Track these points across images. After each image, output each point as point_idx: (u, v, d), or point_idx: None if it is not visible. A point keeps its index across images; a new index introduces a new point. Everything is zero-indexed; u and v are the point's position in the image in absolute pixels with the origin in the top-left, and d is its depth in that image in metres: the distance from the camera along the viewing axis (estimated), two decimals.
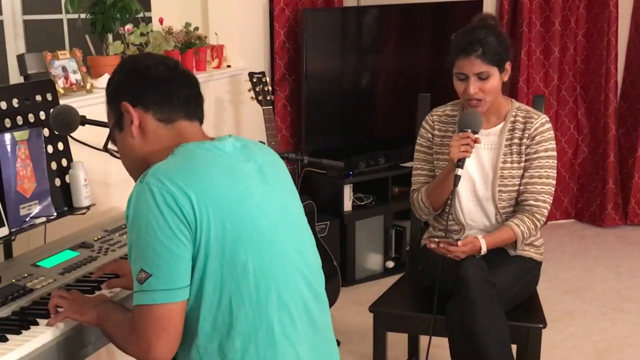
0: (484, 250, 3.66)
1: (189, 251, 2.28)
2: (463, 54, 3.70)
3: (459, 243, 3.62)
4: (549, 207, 3.83)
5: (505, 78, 3.80)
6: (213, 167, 2.38)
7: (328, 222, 5.89)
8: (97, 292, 2.83)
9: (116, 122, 2.55)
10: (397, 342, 4.57)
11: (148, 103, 2.49)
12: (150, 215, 2.24)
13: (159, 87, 2.50)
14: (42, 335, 2.50)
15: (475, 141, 3.68)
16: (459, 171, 3.64)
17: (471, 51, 3.67)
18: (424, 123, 4.06)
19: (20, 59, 3.78)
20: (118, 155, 2.66)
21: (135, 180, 2.43)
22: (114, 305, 2.58)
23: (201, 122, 2.61)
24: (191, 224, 2.26)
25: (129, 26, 4.56)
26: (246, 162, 2.48)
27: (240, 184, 2.40)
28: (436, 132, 4.00)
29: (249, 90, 5.31)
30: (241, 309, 2.33)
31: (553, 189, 3.84)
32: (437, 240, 3.63)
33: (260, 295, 2.35)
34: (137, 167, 2.49)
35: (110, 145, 2.68)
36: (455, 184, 3.65)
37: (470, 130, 3.68)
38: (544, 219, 3.82)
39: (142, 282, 2.27)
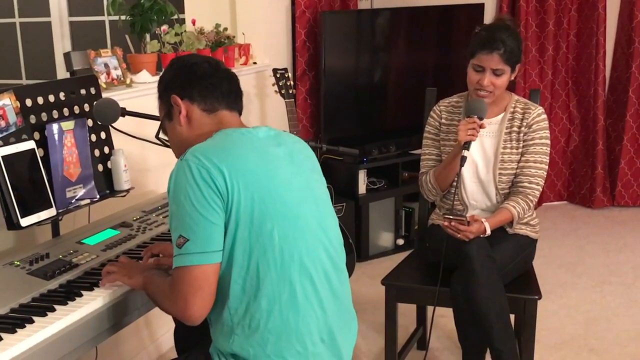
0: (488, 232, 3.65)
1: (222, 219, 2.32)
2: (486, 49, 3.67)
3: (469, 218, 3.62)
4: (541, 189, 3.83)
5: (513, 77, 3.79)
6: (245, 148, 2.43)
7: (344, 204, 5.88)
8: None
9: (167, 114, 2.63)
10: (406, 312, 4.56)
11: (193, 95, 2.56)
12: (188, 187, 2.29)
13: (203, 82, 2.57)
14: (86, 306, 2.50)
15: (481, 126, 3.68)
16: (465, 153, 3.63)
17: (494, 48, 3.65)
18: (432, 112, 4.05)
19: (67, 56, 3.76)
20: (168, 142, 2.73)
21: None
22: (157, 272, 2.63)
23: (240, 112, 2.67)
24: (223, 195, 2.30)
25: (164, 27, 4.55)
26: (277, 146, 2.53)
27: (270, 163, 2.44)
28: (443, 121, 3.99)
29: (273, 85, 5.30)
30: (267, 273, 2.35)
31: (545, 172, 3.84)
32: (450, 217, 3.62)
33: (285, 261, 2.37)
34: (182, 151, 2.49)
35: (161, 135, 2.75)
36: (462, 165, 3.64)
37: (476, 116, 3.69)
38: (536, 200, 3.81)
39: (181, 247, 2.31)
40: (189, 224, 2.30)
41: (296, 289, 2.40)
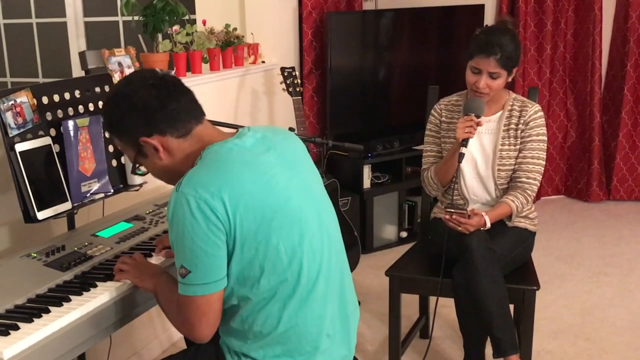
0: (488, 225, 3.66)
1: (224, 249, 2.26)
2: (484, 52, 3.66)
3: (469, 211, 3.63)
4: (539, 184, 3.83)
5: (510, 79, 3.78)
6: (238, 165, 2.31)
7: (350, 198, 5.88)
8: (148, 259, 2.83)
9: (138, 153, 2.45)
10: (409, 302, 4.54)
11: (161, 128, 2.37)
12: (187, 222, 2.21)
13: (163, 112, 2.36)
14: (100, 296, 2.50)
15: (478, 124, 3.69)
16: (463, 149, 3.64)
17: (491, 53, 3.64)
18: (432, 111, 4.05)
19: (82, 55, 3.75)
20: (146, 172, 2.58)
21: (174, 185, 2.36)
22: (168, 280, 2.56)
23: (205, 117, 2.49)
24: (225, 223, 2.22)
25: (176, 27, 4.55)
26: (266, 152, 2.41)
27: (265, 175, 2.34)
28: (443, 119, 3.98)
29: (281, 83, 5.29)
30: (279, 285, 2.33)
31: (542, 168, 3.83)
32: (452, 211, 3.63)
33: (293, 270, 2.34)
34: (172, 177, 2.44)
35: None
36: (460, 161, 3.65)
37: (473, 114, 3.69)
38: (534, 194, 3.82)
39: (184, 277, 2.28)
40: (189, 257, 2.24)
41: (305, 294, 2.38)
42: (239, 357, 2.46)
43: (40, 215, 2.86)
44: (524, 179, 3.79)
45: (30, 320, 2.29)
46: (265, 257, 2.30)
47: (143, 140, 2.38)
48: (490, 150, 3.85)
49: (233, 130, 2.55)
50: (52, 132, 3.02)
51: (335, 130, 6.10)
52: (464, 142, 3.65)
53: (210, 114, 2.58)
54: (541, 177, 3.83)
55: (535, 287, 3.69)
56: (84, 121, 3.12)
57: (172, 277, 2.58)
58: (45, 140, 2.95)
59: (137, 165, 2.52)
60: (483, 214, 3.66)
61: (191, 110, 2.43)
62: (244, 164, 2.32)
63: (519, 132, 3.81)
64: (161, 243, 2.94)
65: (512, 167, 3.83)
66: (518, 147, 3.82)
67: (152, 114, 2.36)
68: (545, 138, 3.84)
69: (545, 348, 4.40)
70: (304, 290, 2.38)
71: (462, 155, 3.65)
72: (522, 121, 3.81)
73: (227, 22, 5.40)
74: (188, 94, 2.45)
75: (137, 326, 4.21)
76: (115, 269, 2.65)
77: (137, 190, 3.48)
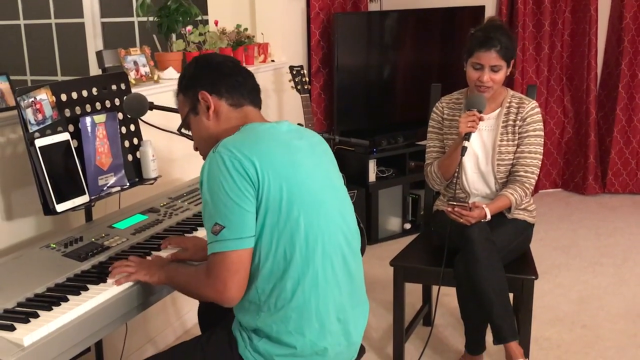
0: (488, 217, 3.66)
1: (254, 206, 2.29)
2: (484, 47, 3.67)
3: (471, 204, 3.63)
4: (537, 177, 3.83)
5: (508, 72, 3.78)
6: (272, 141, 2.40)
7: (356, 191, 5.87)
8: (155, 253, 2.82)
9: (192, 108, 2.57)
10: (413, 290, 4.54)
11: (221, 91, 2.52)
12: (222, 178, 2.27)
13: (230, 79, 2.54)
14: (117, 285, 2.50)
15: (480, 119, 3.70)
16: (466, 143, 3.65)
17: (491, 46, 3.65)
18: (434, 108, 4.04)
19: (99, 54, 3.76)
20: (190, 135, 2.67)
21: (204, 155, 2.49)
22: (178, 264, 2.62)
23: (260, 108, 2.63)
24: (255, 183, 2.27)
25: (189, 27, 4.54)
26: (299, 139, 2.50)
27: (294, 155, 2.41)
28: (445, 116, 3.97)
29: (290, 81, 5.29)
30: (293, 256, 2.34)
31: (540, 162, 3.83)
32: (454, 204, 3.63)
33: (309, 245, 2.36)
34: (209, 144, 2.49)
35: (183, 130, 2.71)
36: (462, 154, 3.65)
37: (475, 110, 3.69)
38: (532, 187, 3.81)
39: (217, 234, 2.28)
40: (224, 212, 2.27)
41: (318, 272, 2.39)
42: (251, 341, 2.45)
43: (59, 207, 2.87)
44: (522, 173, 3.79)
45: (49, 309, 2.29)
46: (285, 227, 2.32)
47: (202, 94, 2.52)
48: (490, 146, 3.85)
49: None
50: (71, 128, 3.02)
51: (342, 126, 6.09)
52: (467, 136, 3.66)
53: None
54: (538, 170, 3.83)
55: (533, 277, 3.69)
56: (101, 117, 3.12)
57: (182, 263, 2.67)
58: (64, 136, 2.95)
59: (186, 122, 2.63)
60: (484, 206, 3.65)
61: (250, 91, 2.60)
62: (277, 142, 2.42)
63: (517, 128, 3.80)
64: (167, 242, 2.92)
65: (511, 162, 3.82)
66: (516, 142, 3.81)
67: (220, 75, 2.55)
68: (542, 133, 3.83)
69: (543, 335, 4.39)
70: (318, 269, 2.39)
71: (464, 149, 3.65)
72: (519, 117, 3.80)
73: (238, 22, 5.39)
74: (254, 81, 2.64)
75: (152, 314, 4.21)
76: (113, 274, 2.57)
77: (152, 183, 3.48)
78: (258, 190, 2.28)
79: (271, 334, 2.41)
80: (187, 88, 2.59)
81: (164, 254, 2.81)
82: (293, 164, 2.38)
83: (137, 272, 2.58)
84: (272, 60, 5.86)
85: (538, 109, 3.83)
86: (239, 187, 2.26)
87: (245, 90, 2.57)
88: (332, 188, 2.53)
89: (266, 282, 2.37)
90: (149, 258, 2.74)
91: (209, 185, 2.30)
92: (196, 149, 2.66)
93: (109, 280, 2.52)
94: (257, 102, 2.61)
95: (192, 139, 2.68)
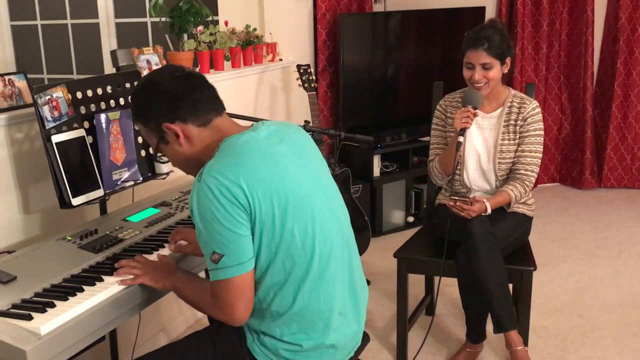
0: (488, 211, 3.67)
1: (249, 229, 2.24)
2: (472, 47, 3.69)
3: (472, 198, 3.65)
4: (536, 175, 3.83)
5: (505, 70, 3.77)
6: (253, 154, 2.29)
7: (361, 185, 5.86)
8: (160, 250, 2.79)
9: (160, 139, 2.43)
10: (415, 281, 4.54)
11: (184, 116, 2.35)
12: (213, 208, 2.19)
13: (187, 101, 2.36)
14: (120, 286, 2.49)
15: (475, 115, 3.70)
16: (460, 139, 3.64)
17: (479, 45, 3.66)
18: (437, 107, 4.04)
19: (113, 54, 3.74)
20: (167, 160, 2.55)
21: (193, 175, 2.39)
22: (186, 274, 2.55)
23: (225, 110, 2.47)
24: (246, 208, 2.21)
25: (200, 27, 4.53)
26: (280, 143, 2.39)
27: (278, 164, 2.32)
28: (448, 114, 3.97)
29: (297, 79, 5.28)
30: (292, 267, 2.32)
31: (540, 160, 3.83)
32: (455, 198, 3.64)
33: (306, 253, 2.33)
34: (191, 166, 2.43)
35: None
36: (457, 149, 3.64)
37: (470, 106, 3.69)
38: (532, 185, 3.81)
39: (217, 262, 2.24)
40: (220, 241, 2.22)
41: (317, 276, 2.36)
42: (258, 335, 2.44)
43: (75, 201, 2.87)
44: (522, 171, 3.79)
45: (65, 299, 2.29)
46: (281, 240, 2.28)
47: (166, 126, 2.36)
48: (491, 145, 3.84)
49: (249, 124, 2.53)
50: (86, 124, 3.02)
51: (348, 123, 6.08)
52: (462, 132, 3.65)
53: (232, 108, 2.57)
54: (538, 169, 3.82)
55: (532, 268, 3.69)
56: (115, 114, 3.12)
57: (186, 270, 2.59)
58: (80, 132, 2.95)
59: (159, 155, 2.50)
60: (484, 200, 3.65)
61: (212, 102, 2.42)
62: (259, 154, 2.30)
63: (518, 127, 3.80)
64: (174, 237, 2.85)
65: (512, 160, 3.82)
66: (517, 141, 3.81)
67: (176, 101, 2.35)
68: (542, 133, 3.83)
69: (542, 324, 4.39)
70: (317, 272, 2.36)
71: (459, 144, 3.64)
72: (520, 117, 3.79)
73: (247, 23, 5.38)
74: (211, 88, 2.44)
75: (165, 304, 4.21)
76: (119, 272, 2.52)
77: (164, 178, 3.47)
78: (250, 213, 2.22)
79: (276, 336, 2.41)
80: (147, 120, 2.43)
81: (167, 251, 2.78)
82: (279, 175, 2.30)
83: (143, 275, 2.52)
84: (280, 59, 5.85)
85: (539, 109, 3.82)
86: (231, 215, 2.20)
87: (207, 105, 2.40)
88: (320, 187, 2.46)
89: (267, 291, 2.35)
90: (155, 259, 2.67)
91: (200, 215, 2.23)
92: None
93: (114, 278, 2.49)
94: (221, 109, 2.45)
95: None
